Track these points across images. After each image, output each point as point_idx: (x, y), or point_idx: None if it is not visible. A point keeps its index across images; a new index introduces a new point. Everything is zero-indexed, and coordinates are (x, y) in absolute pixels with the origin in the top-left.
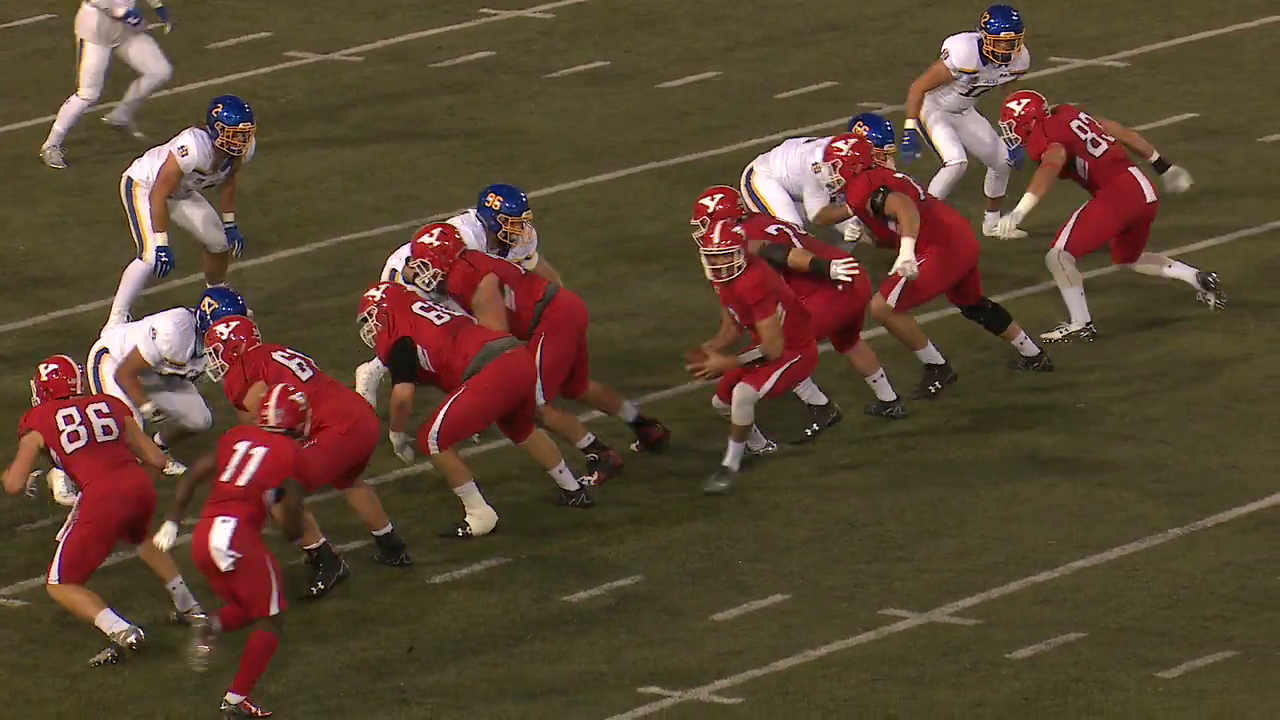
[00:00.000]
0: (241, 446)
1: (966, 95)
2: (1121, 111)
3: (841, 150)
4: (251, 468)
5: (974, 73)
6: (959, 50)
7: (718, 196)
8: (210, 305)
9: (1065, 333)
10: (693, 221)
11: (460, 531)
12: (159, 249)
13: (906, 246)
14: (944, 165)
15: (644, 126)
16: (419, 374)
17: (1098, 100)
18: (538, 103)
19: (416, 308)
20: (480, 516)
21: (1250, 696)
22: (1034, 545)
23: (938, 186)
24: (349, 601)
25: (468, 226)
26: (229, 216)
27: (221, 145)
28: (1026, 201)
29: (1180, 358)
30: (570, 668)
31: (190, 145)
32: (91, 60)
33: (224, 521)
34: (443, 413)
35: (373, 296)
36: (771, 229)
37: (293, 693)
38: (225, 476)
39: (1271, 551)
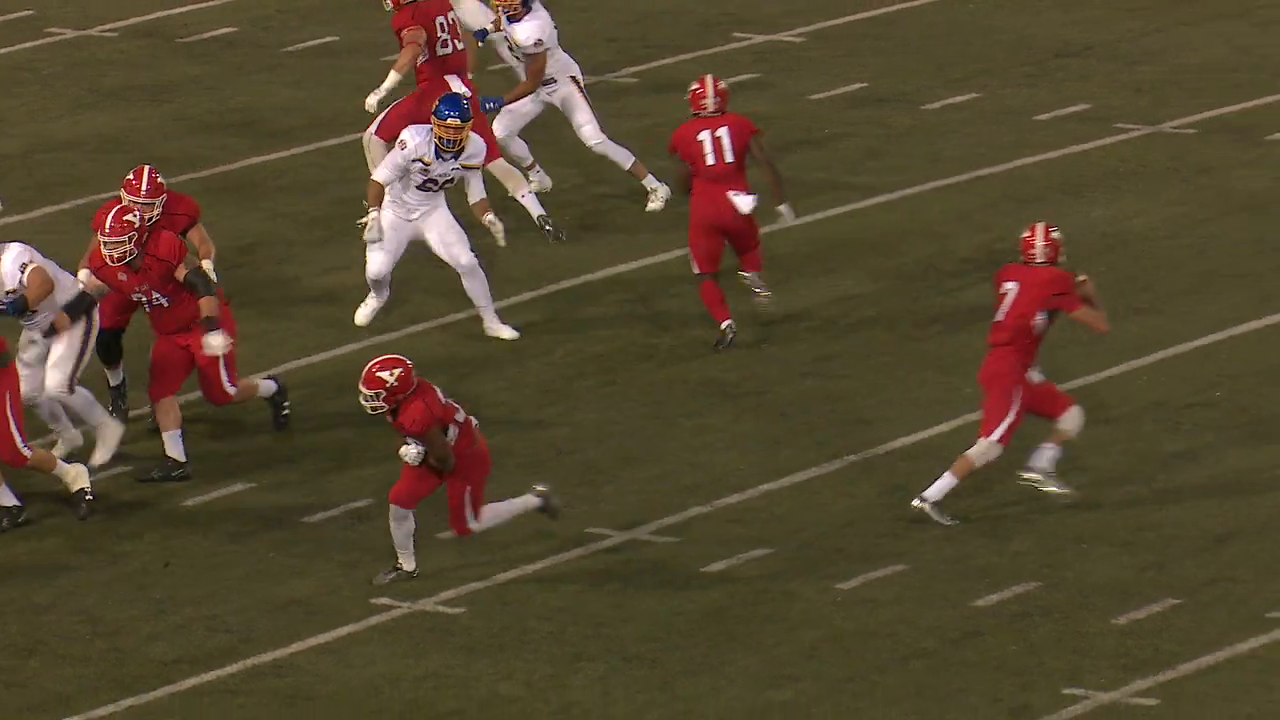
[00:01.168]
0: (706, 135)
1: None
2: (800, 81)
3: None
4: (725, 145)
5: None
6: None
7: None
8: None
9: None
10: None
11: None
12: None
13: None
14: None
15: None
16: None
17: (779, 71)
18: (275, 74)
19: None
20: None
21: (917, 606)
22: (725, 471)
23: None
24: (111, 521)
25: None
26: None
27: None
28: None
29: (857, 301)
30: (310, 582)
31: None
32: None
33: (736, 195)
34: (11, 426)
35: None
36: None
37: (61, 600)
38: (710, 161)
39: (937, 476)
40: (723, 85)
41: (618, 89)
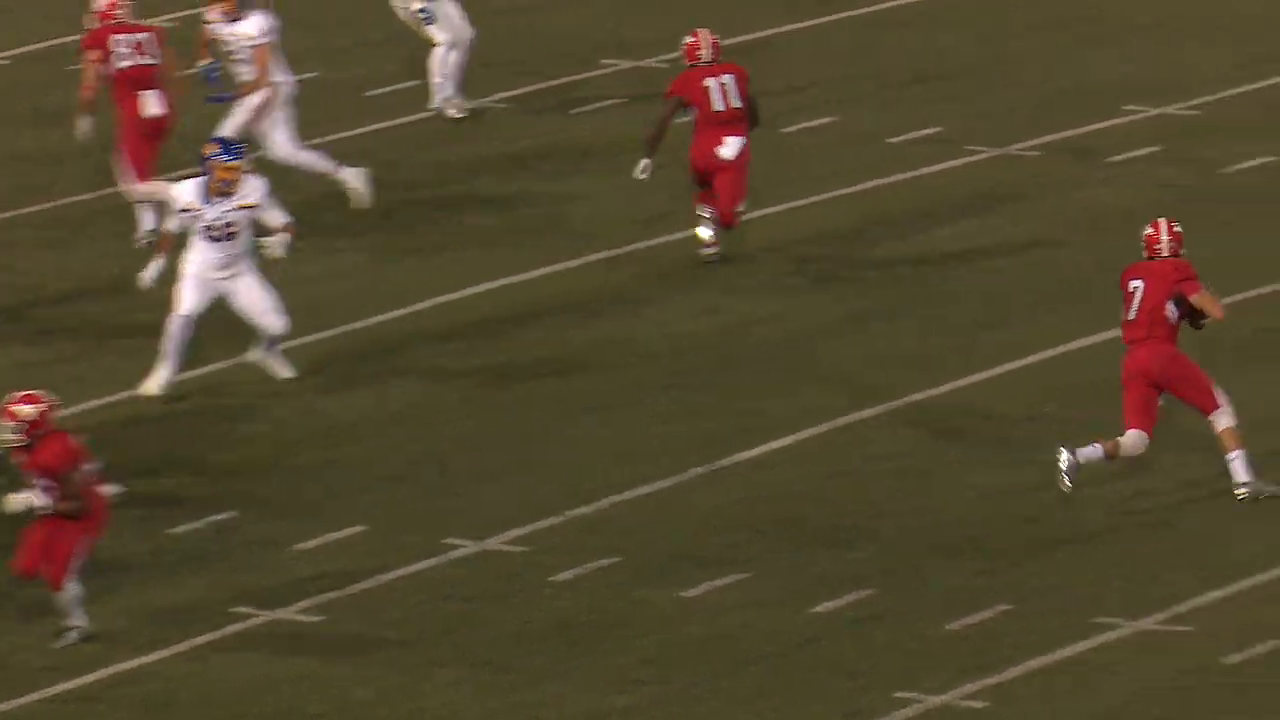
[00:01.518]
0: (713, 81)
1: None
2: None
3: None
4: (731, 90)
5: None
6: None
7: None
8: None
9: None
10: None
11: None
12: None
13: None
14: None
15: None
16: None
17: (646, 99)
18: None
19: None
20: None
21: (759, 610)
22: (580, 481)
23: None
24: None
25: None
26: None
27: None
28: None
29: (720, 315)
30: (177, 592)
31: None
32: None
33: (734, 138)
34: None
35: None
36: None
37: None
38: (718, 107)
39: (781, 486)
40: (715, 37)
41: (491, 114)
